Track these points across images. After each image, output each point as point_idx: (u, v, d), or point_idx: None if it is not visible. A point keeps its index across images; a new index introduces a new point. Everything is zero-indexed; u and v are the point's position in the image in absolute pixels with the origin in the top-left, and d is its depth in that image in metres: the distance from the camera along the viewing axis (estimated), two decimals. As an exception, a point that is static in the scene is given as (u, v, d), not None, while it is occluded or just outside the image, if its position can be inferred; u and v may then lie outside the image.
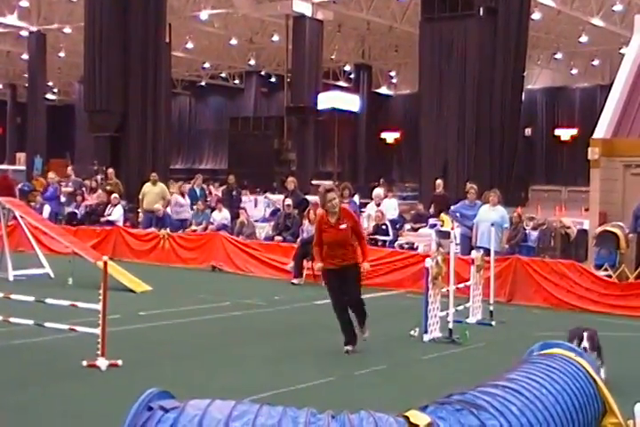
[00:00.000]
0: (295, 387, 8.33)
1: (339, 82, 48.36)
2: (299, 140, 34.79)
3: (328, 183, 10.29)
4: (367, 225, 18.26)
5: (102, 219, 20.71)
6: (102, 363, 8.91)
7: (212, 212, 20.53)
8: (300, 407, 5.01)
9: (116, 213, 20.64)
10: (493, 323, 12.32)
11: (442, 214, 15.44)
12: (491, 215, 14.99)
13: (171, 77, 34.26)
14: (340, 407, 5.11)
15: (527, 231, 18.20)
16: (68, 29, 40.01)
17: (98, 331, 9.02)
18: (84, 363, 8.93)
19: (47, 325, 9.67)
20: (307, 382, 8.57)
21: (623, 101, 16.89)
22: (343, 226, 9.60)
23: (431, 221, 16.99)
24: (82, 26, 24.86)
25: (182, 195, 21.58)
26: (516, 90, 19.35)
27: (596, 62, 45.18)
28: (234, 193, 22.16)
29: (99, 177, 22.93)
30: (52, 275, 15.57)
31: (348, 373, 9.13)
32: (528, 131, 42.56)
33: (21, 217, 16.80)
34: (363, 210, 19.31)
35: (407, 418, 4.80)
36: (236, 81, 55.17)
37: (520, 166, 19.42)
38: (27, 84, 48.92)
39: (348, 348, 10.05)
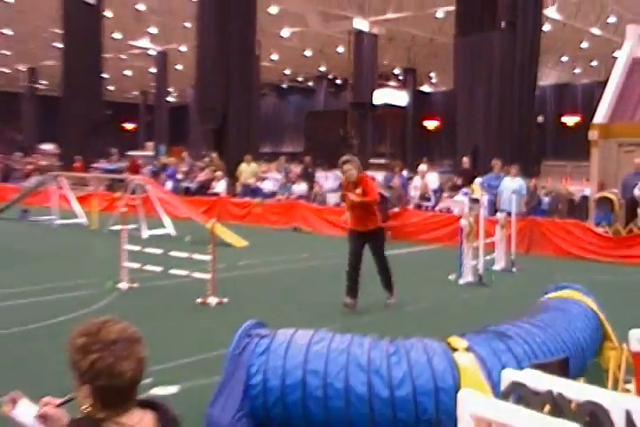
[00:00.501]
0: (360, 320, 8.33)
1: (390, 82, 47.92)
2: (359, 128, 34.74)
3: (346, 156, 9.32)
4: (414, 194, 18.14)
5: (209, 191, 20.90)
6: (212, 300, 9.05)
7: (292, 185, 20.59)
8: (364, 335, 5.00)
9: (220, 187, 20.81)
10: (514, 270, 12.20)
11: (472, 184, 15.20)
12: (512, 185, 14.89)
13: (260, 82, 34.21)
14: (395, 335, 5.08)
15: (540, 197, 17.91)
16: (183, 48, 40.24)
17: (208, 276, 9.15)
18: (199, 300, 9.07)
19: (171, 271, 9.82)
20: (369, 316, 8.56)
21: (617, 94, 16.89)
22: (358, 191, 8.89)
23: (464, 189, 16.73)
24: (194, 45, 24.96)
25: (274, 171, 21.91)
26: (531, 86, 19.02)
27: (594, 63, 44.24)
28: (309, 170, 22.20)
29: (206, 159, 23.07)
30: (173, 234, 15.82)
31: (401, 308, 9.09)
32: (540, 118, 41.75)
33: (150, 190, 17.07)
34: (410, 182, 19.09)
35: (448, 343, 4.77)
36: (310, 83, 54.95)
37: (534, 146, 19.13)
38: (154, 91, 49.53)
39: (347, 300, 8.90)
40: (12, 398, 2.28)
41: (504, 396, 2.92)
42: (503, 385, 3.00)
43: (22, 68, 52.11)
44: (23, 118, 53.38)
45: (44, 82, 53.34)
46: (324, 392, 4.49)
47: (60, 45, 28.23)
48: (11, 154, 32.00)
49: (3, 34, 41.23)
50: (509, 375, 3.00)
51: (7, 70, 51.94)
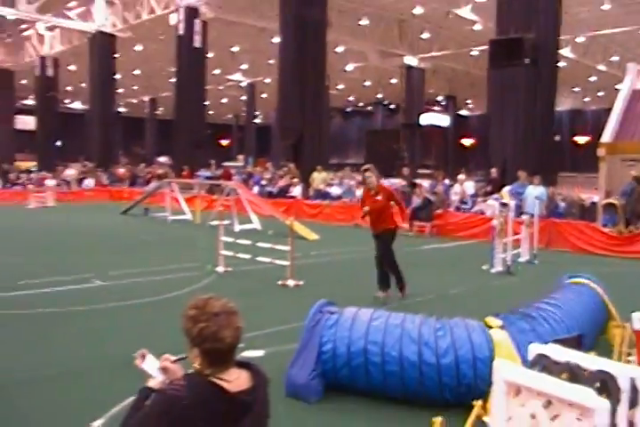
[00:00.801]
0: (412, 301, 8.22)
1: (434, 107, 47.40)
2: (409, 144, 34.48)
3: (366, 165, 8.59)
4: (454, 198, 17.86)
5: (288, 194, 20.97)
6: (290, 283, 9.05)
7: (355, 189, 20.47)
8: (415, 314, 4.95)
9: (296, 191, 20.87)
10: (536, 262, 11.92)
11: (501, 191, 14.88)
12: (534, 192, 14.56)
13: (329, 106, 34.27)
14: (441, 315, 5.02)
15: (557, 203, 17.43)
16: (268, 80, 40.60)
17: (287, 263, 9.16)
18: (279, 282, 9.09)
19: (258, 258, 9.88)
20: (418, 298, 8.44)
21: (620, 118, 16.55)
22: (379, 197, 8.21)
23: (494, 195, 16.42)
24: (276, 78, 25.11)
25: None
26: (549, 111, 18.58)
27: (600, 93, 43.22)
28: (369, 178, 22.04)
29: (285, 169, 23.17)
30: (259, 228, 15.88)
31: (444, 292, 8.96)
32: (557, 138, 40.74)
33: (241, 193, 17.24)
34: (451, 188, 18.80)
35: (485, 322, 4.70)
36: (369, 108, 54.81)
37: (553, 160, 18.64)
38: (244, 114, 50.09)
39: (378, 294, 8.26)
40: (142, 354, 2.36)
41: (531, 365, 2.87)
42: (530, 357, 2.95)
43: (146, 98, 53.61)
44: (146, 137, 54.86)
45: (161, 109, 54.62)
46: (381, 359, 4.48)
47: (174, 80, 28.77)
48: (136, 165, 32.80)
49: (133, 74, 42.39)
50: (535, 349, 2.95)
51: (135, 101, 53.51)
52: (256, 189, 22.27)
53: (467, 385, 4.36)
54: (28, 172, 28.75)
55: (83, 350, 5.90)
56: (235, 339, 2.17)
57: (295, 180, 21.23)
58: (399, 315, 4.83)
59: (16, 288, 8.51)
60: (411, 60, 33.92)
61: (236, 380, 2.16)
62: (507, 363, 2.74)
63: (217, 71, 38.82)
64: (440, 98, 47.54)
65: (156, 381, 2.30)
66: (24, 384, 4.98)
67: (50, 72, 35.47)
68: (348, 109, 57.50)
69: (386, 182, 21.04)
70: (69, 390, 4.93)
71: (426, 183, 18.91)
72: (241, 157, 39.54)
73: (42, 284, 8.77)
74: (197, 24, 26.46)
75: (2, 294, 8.15)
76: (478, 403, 3.57)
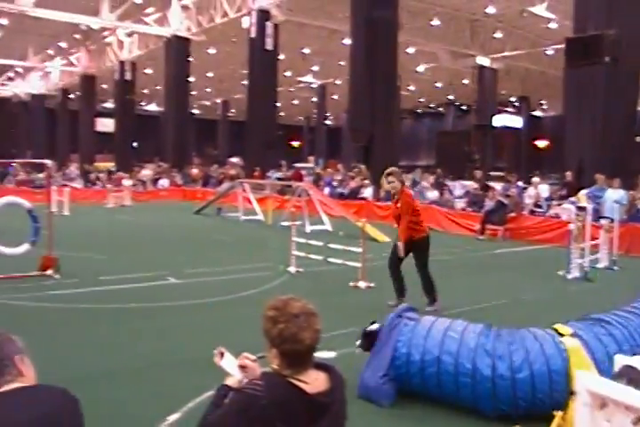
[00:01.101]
0: (484, 305, 8.06)
1: (507, 108, 46.40)
2: (480, 145, 33.90)
3: (390, 169, 8.01)
4: (528, 201, 17.42)
5: (359, 196, 20.91)
6: (362, 284, 9.03)
7: (426, 192, 20.21)
8: (489, 322, 4.85)
9: (367, 192, 20.80)
10: (615, 268, 11.46)
11: (578, 194, 14.39)
12: (614, 195, 14.03)
13: (400, 108, 34.06)
14: (511, 323, 4.91)
15: (638, 207, 16.71)
16: (338, 81, 40.75)
17: (359, 264, 9.14)
18: (351, 284, 9.08)
19: (329, 260, 9.90)
20: (491, 302, 8.28)
21: None
22: (399, 205, 7.75)
23: (571, 199, 15.91)
24: (347, 79, 25.16)
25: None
26: (630, 112, 17.82)
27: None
28: (440, 180, 21.79)
29: (356, 170, 23.14)
30: (330, 229, 15.90)
31: (517, 298, 8.74)
32: (638, 139, 39.19)
33: (312, 194, 17.32)
34: (524, 191, 18.34)
35: (555, 330, 4.58)
36: (440, 109, 54.24)
37: (633, 163, 17.88)
38: (315, 116, 50.47)
39: (390, 302, 7.57)
40: (220, 352, 2.40)
41: (617, 377, 2.75)
42: (616, 368, 2.83)
43: (218, 100, 54.77)
44: (218, 138, 56.05)
45: (233, 111, 55.66)
46: (455, 369, 4.43)
47: (246, 82, 29.23)
48: (209, 165, 33.49)
49: (206, 76, 43.36)
50: (622, 360, 2.83)
51: (208, 103, 54.77)
52: (327, 190, 22.33)
53: (541, 398, 4.27)
54: (109, 172, 29.77)
55: (159, 345, 6.07)
56: (314, 341, 2.18)
57: (366, 181, 21.17)
58: (476, 326, 4.75)
59: (97, 284, 8.85)
60: (483, 61, 33.41)
61: (314, 381, 2.17)
62: (589, 374, 2.64)
63: (288, 73, 39.26)
64: (513, 99, 46.58)
65: (234, 379, 2.34)
66: (105, 376, 5.16)
67: (128, 76, 36.74)
68: (419, 110, 57.11)
69: (457, 185, 20.88)
70: (147, 383, 5.08)
71: (498, 186, 18.50)
72: (311, 158, 39.74)
73: (120, 280, 9.08)
74: (269, 27, 26.79)
75: (83, 289, 8.49)
76: (559, 414, 3.47)
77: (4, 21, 32.40)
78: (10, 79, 48.90)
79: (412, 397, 4.71)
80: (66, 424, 2.13)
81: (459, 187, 19.89)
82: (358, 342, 4.92)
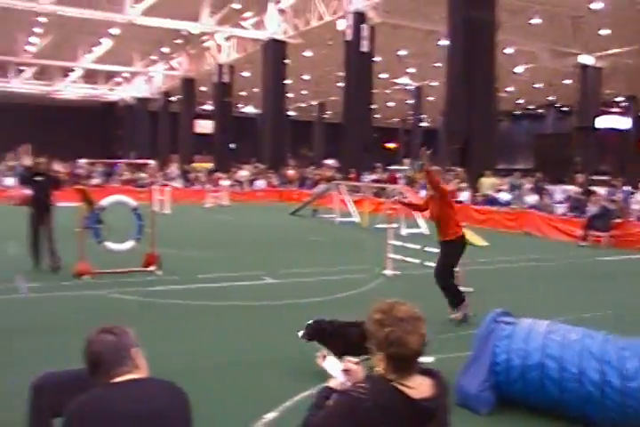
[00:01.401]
0: (586, 315, 7.66)
1: (612, 108, 44.31)
2: (583, 148, 32.56)
3: (435, 168, 7.46)
4: (636, 207, 16.45)
5: (456, 199, 20.53)
6: (460, 289, 8.79)
7: (525, 196, 19.64)
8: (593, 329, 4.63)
9: (464, 196, 20.42)
10: None
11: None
12: None
13: (497, 109, 33.21)
14: (621, 332, 4.67)
15: None
16: (434, 83, 40.27)
17: (457, 269, 8.84)
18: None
19: (426, 263, 9.74)
20: (599, 312, 7.80)
21: None
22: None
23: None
24: (443, 81, 24.80)
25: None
26: None
27: None
28: (539, 184, 21.08)
29: (453, 173, 22.76)
30: (426, 233, 15.59)
31: (623, 307, 8.27)
32: None
33: (408, 197, 17.19)
34: (632, 196, 17.38)
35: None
36: (539, 110, 52.62)
37: None
38: (410, 118, 50.23)
39: (454, 315, 7.03)
40: (323, 355, 2.43)
41: None
42: None
43: (314, 102, 55.43)
44: (314, 140, 56.80)
45: (329, 112, 56.16)
46: (559, 374, 4.25)
47: (342, 84, 29.40)
48: (305, 167, 33.91)
49: (302, 79, 43.99)
50: None
51: (304, 104, 55.55)
52: (423, 192, 22.06)
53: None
54: (209, 172, 30.67)
55: (255, 344, 6.18)
56: (419, 345, 2.16)
57: (463, 184, 20.80)
58: (578, 329, 4.56)
59: (196, 281, 9.15)
60: (586, 59, 32.09)
61: (419, 386, 2.15)
62: None
63: (384, 75, 39.15)
64: (619, 99, 44.43)
65: (336, 381, 2.35)
66: (202, 372, 5.31)
67: (226, 79, 37.89)
68: (517, 112, 55.62)
69: (557, 189, 20.10)
70: (246, 380, 5.18)
71: (602, 191, 17.67)
72: (407, 160, 39.47)
73: (217, 278, 9.35)
74: (365, 29, 26.84)
75: (183, 286, 8.79)
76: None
77: (116, 31, 34.18)
78: (117, 84, 51.51)
79: (513, 404, 4.57)
80: (176, 419, 2.21)
81: (559, 191, 19.13)
82: (301, 333, 5.15)
